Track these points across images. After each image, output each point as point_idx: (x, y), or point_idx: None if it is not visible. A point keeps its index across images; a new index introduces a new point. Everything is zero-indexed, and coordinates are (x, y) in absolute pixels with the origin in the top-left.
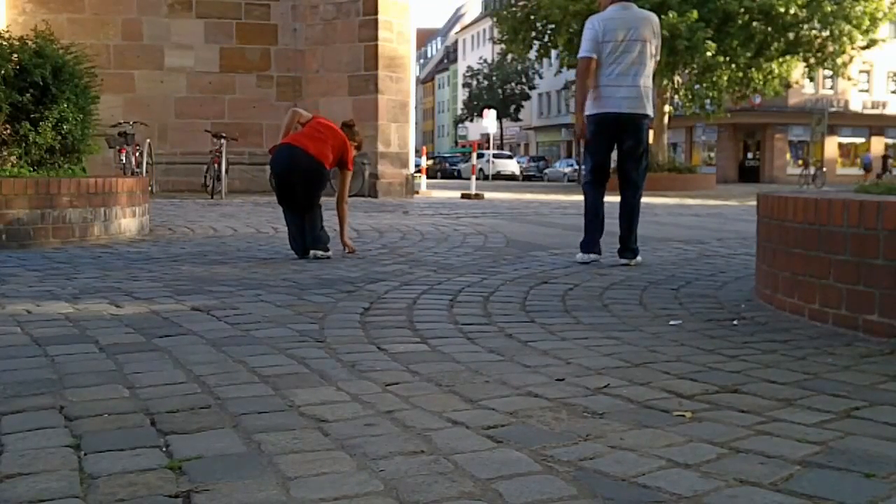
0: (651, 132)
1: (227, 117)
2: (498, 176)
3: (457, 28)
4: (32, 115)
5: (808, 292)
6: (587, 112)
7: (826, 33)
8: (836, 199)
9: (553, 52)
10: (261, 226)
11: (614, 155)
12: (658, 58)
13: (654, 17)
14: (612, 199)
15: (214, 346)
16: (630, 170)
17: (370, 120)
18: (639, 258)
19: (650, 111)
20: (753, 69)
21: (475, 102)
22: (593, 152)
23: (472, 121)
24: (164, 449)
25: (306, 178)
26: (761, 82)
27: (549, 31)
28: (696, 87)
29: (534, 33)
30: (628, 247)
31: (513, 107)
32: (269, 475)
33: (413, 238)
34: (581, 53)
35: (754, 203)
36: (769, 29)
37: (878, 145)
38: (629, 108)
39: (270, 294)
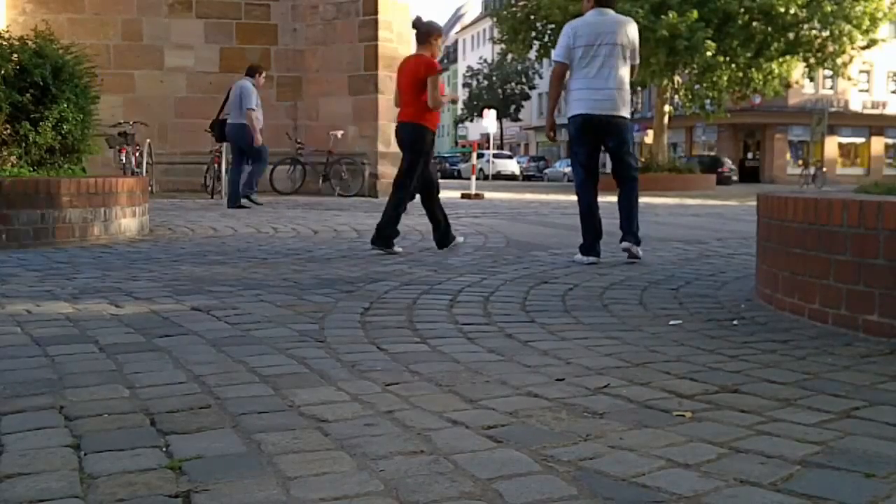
0: (651, 132)
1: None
2: (498, 176)
3: (457, 28)
4: (32, 115)
5: (808, 292)
6: (568, 115)
7: (826, 33)
8: (836, 199)
9: (553, 52)
10: (261, 226)
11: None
12: (636, 62)
13: (630, 22)
14: (608, 199)
15: (214, 346)
16: (622, 170)
17: (370, 120)
18: (639, 252)
19: (626, 113)
20: (753, 69)
21: (475, 102)
22: (576, 154)
23: (472, 121)
24: (164, 449)
25: (405, 146)
26: (761, 82)
27: (549, 31)
28: (696, 87)
29: (534, 33)
30: (630, 231)
31: (513, 107)
32: (269, 475)
33: (413, 238)
34: (553, 58)
35: (754, 203)
36: (769, 29)
37: (877, 145)
38: (602, 109)
39: (270, 294)
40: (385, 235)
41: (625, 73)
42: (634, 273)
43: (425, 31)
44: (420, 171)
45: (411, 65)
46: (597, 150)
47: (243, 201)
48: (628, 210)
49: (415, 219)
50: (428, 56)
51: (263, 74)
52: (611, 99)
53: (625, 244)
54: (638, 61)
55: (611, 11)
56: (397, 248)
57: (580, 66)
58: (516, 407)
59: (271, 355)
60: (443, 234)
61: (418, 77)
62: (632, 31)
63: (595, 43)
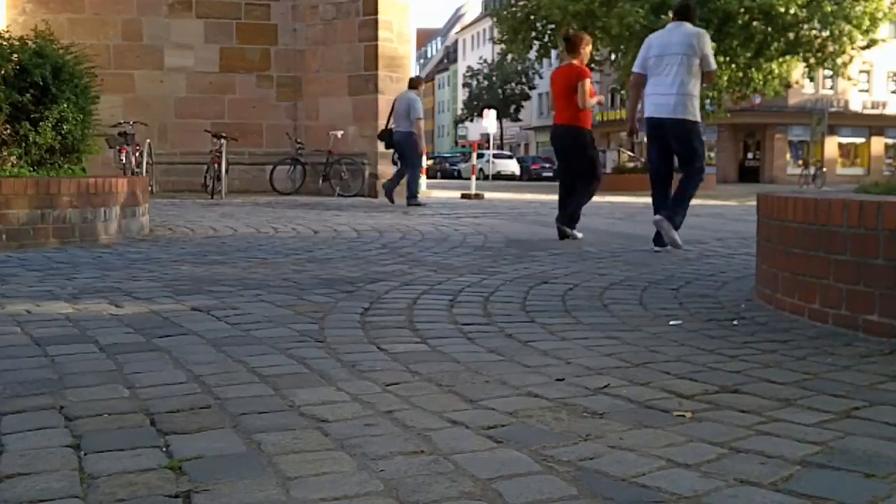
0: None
1: (227, 117)
2: (498, 176)
3: (457, 28)
4: (32, 115)
5: (808, 292)
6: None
7: (826, 33)
8: (836, 199)
9: (553, 52)
10: (261, 226)
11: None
12: (709, 69)
13: (701, 34)
14: (609, 199)
15: (214, 346)
16: (684, 167)
17: (370, 120)
18: (675, 235)
19: (688, 116)
20: (753, 69)
21: (475, 102)
22: (650, 151)
23: (472, 121)
24: (164, 449)
25: (564, 150)
26: (761, 82)
27: (549, 31)
28: None
29: (534, 33)
30: (671, 208)
31: (513, 107)
32: (269, 475)
33: (413, 238)
34: (632, 69)
35: (754, 203)
36: (769, 29)
37: (877, 145)
38: (663, 113)
39: (270, 294)
40: (571, 221)
41: (691, 80)
42: (634, 273)
43: (577, 41)
44: (598, 160)
45: (564, 72)
46: (665, 151)
47: (386, 200)
48: (678, 195)
49: (415, 219)
50: (577, 63)
51: (423, 86)
52: (671, 103)
53: (656, 217)
54: (712, 68)
55: (688, 25)
56: (578, 235)
57: (653, 75)
58: (516, 407)
59: (271, 355)
60: (569, 218)
61: (571, 83)
62: (701, 42)
63: (664, 53)
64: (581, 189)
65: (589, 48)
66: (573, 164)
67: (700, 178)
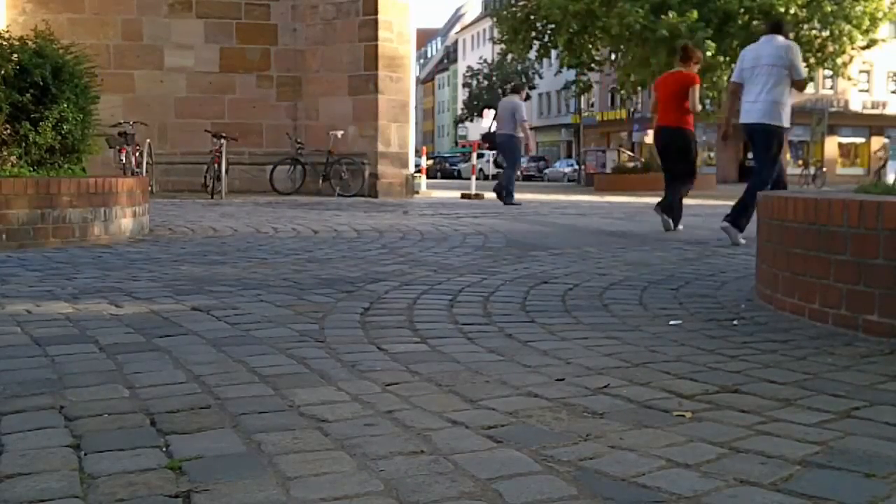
0: (651, 132)
1: (227, 117)
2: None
3: (457, 28)
4: (32, 115)
5: (808, 292)
6: None
7: (826, 33)
8: (836, 199)
9: (553, 52)
10: (261, 226)
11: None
12: (799, 78)
13: (790, 46)
14: (609, 199)
15: (214, 346)
16: (754, 165)
17: (370, 120)
18: (740, 239)
19: (775, 121)
20: None
21: (475, 102)
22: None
23: (472, 121)
24: (164, 449)
25: (668, 148)
26: None
27: (549, 31)
28: None
29: (534, 33)
30: (733, 214)
31: None
32: (269, 475)
33: (413, 238)
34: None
35: None
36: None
37: (877, 145)
38: (750, 119)
39: (270, 294)
40: (669, 210)
41: (779, 88)
42: (634, 273)
43: (691, 52)
44: (696, 162)
45: (677, 78)
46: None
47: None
48: (741, 199)
49: (415, 219)
50: (687, 71)
51: (526, 90)
52: (758, 110)
53: (723, 224)
54: (802, 77)
55: (779, 38)
56: (680, 227)
57: (747, 85)
58: (516, 407)
59: (271, 355)
60: (667, 208)
61: (684, 87)
62: (791, 53)
63: (755, 65)
64: (678, 186)
65: (698, 66)
66: (673, 163)
67: (754, 187)
